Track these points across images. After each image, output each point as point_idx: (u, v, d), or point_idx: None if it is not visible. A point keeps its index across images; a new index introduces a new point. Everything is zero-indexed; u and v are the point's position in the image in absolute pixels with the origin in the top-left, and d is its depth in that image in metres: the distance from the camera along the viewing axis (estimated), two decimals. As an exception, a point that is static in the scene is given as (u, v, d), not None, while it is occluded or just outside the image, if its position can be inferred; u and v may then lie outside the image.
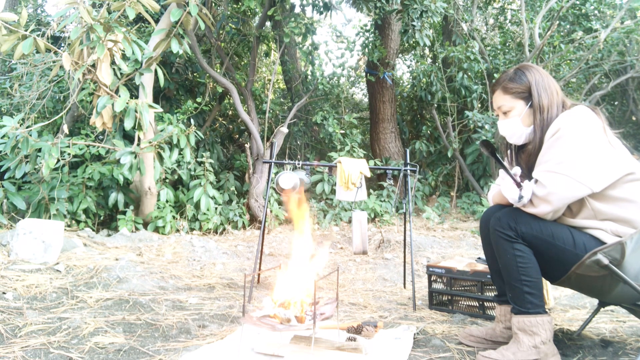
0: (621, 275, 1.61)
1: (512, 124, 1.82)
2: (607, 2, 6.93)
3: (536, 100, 1.76)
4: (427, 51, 8.70)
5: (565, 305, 2.72)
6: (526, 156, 1.82)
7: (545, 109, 1.75)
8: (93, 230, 4.51)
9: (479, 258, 2.75)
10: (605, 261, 1.58)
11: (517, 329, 1.73)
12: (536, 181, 1.68)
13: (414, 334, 2.09)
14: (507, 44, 7.56)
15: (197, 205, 4.98)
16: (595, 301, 2.14)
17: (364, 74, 7.84)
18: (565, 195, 1.61)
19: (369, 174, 2.96)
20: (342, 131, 6.69)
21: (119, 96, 3.46)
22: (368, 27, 6.98)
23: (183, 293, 2.79)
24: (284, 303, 1.84)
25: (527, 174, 1.80)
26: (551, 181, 1.62)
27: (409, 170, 2.99)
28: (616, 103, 8.35)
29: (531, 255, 1.71)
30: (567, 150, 1.62)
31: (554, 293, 2.81)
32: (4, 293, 2.40)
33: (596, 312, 2.12)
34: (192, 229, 4.99)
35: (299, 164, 3.05)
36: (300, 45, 6.51)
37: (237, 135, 7.51)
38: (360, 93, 10.69)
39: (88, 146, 4.56)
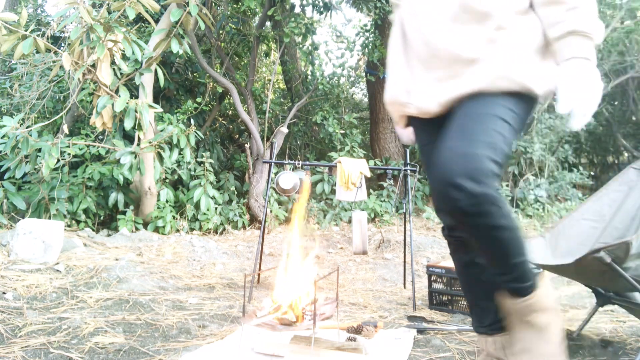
0: (623, 274, 1.61)
1: None
2: (607, 2, 6.92)
3: None
4: (427, 51, 8.69)
5: (565, 305, 2.73)
6: None
7: None
8: (93, 230, 4.51)
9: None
10: (608, 259, 1.58)
11: (534, 310, 1.37)
12: None
13: (414, 335, 2.10)
14: (507, 44, 7.55)
15: (197, 205, 4.98)
16: (594, 300, 2.14)
17: (364, 74, 7.84)
18: None
19: (369, 174, 2.96)
20: (342, 131, 6.69)
21: (119, 96, 3.46)
22: (368, 27, 6.98)
23: (183, 293, 2.79)
24: (284, 303, 1.84)
25: None
26: None
27: (409, 170, 2.99)
28: (616, 103, 8.34)
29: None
30: None
31: (554, 293, 2.81)
32: (4, 293, 2.40)
33: (595, 311, 2.12)
34: (192, 229, 4.99)
35: (299, 164, 3.05)
36: (300, 45, 6.50)
37: (237, 135, 7.50)
38: (360, 93, 10.68)
39: (88, 146, 4.56)
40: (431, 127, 1.43)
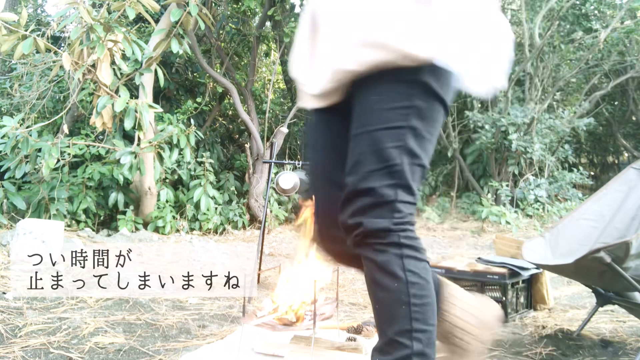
0: (623, 274, 1.61)
1: None
2: (607, 2, 6.92)
3: None
4: (427, 51, 8.69)
5: (565, 305, 2.72)
6: None
7: None
8: (93, 230, 4.51)
9: (479, 258, 2.75)
10: (608, 259, 1.58)
11: None
12: None
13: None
14: (507, 44, 7.55)
15: (197, 205, 4.98)
16: (594, 300, 2.14)
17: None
18: None
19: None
20: (342, 131, 6.68)
21: (119, 96, 3.46)
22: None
23: (183, 293, 2.79)
24: (284, 303, 1.84)
25: None
26: None
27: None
28: (616, 103, 8.35)
29: None
30: None
31: (554, 293, 2.81)
32: (4, 293, 2.40)
33: (595, 311, 2.12)
34: (192, 229, 4.99)
35: (299, 164, 3.05)
36: (300, 45, 6.49)
37: (237, 135, 7.50)
38: (360, 93, 10.68)
39: (88, 146, 4.56)
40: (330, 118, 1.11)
